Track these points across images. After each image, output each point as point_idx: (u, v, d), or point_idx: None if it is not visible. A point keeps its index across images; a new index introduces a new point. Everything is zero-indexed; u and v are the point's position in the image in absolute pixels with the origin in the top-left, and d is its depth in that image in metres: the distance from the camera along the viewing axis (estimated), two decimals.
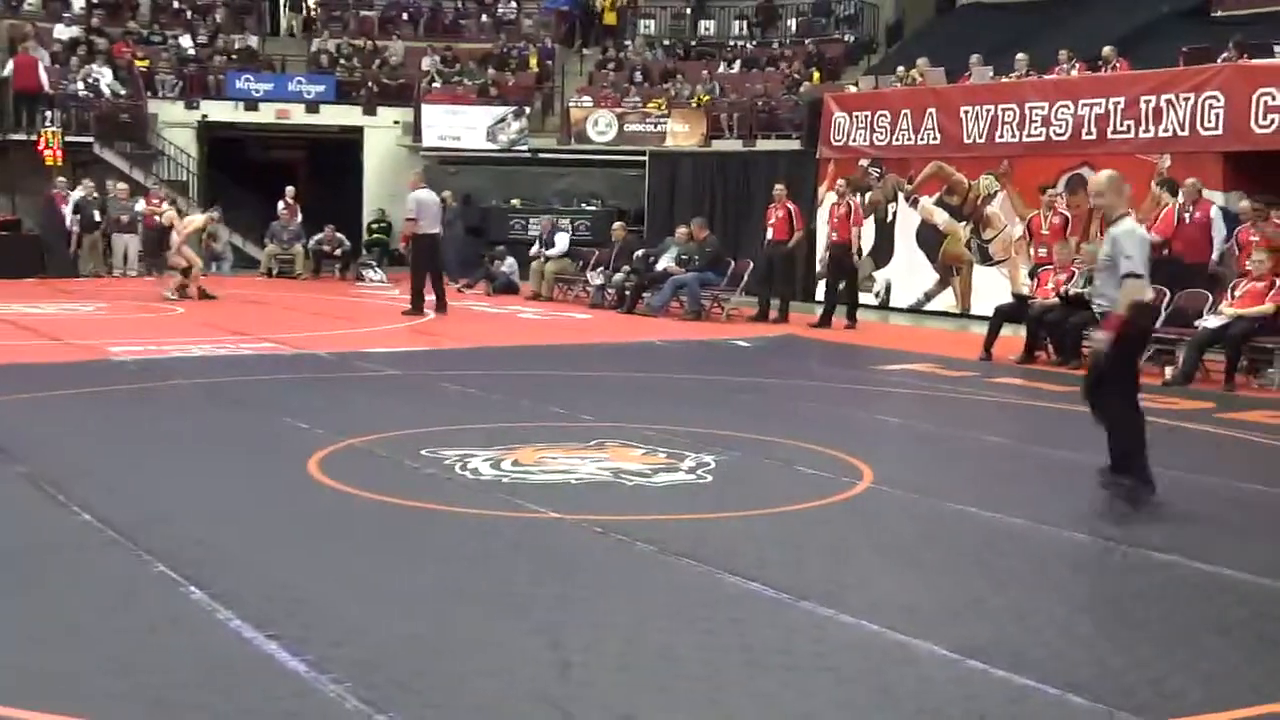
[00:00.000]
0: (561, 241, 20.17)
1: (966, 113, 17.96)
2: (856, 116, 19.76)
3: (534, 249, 20.42)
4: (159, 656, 4.22)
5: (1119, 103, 16.00)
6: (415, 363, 12.15)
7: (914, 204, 19.00)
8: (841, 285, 16.82)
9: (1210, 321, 11.99)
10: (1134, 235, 6.84)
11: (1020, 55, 18.86)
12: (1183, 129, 15.25)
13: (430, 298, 16.70)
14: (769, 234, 17.53)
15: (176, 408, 9.45)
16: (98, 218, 21.89)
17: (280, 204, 23.47)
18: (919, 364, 12.92)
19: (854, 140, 19.75)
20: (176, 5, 28.58)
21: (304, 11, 30.28)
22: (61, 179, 22.14)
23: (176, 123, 25.44)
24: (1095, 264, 7.50)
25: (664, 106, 25.16)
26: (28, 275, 20.65)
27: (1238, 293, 12.07)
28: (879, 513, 6.61)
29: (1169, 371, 11.95)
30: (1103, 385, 6.92)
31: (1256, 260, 12.02)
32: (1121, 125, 15.95)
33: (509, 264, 21.15)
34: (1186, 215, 13.50)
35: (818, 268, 18.68)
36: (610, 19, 29.90)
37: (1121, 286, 6.67)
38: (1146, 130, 15.66)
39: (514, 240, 23.03)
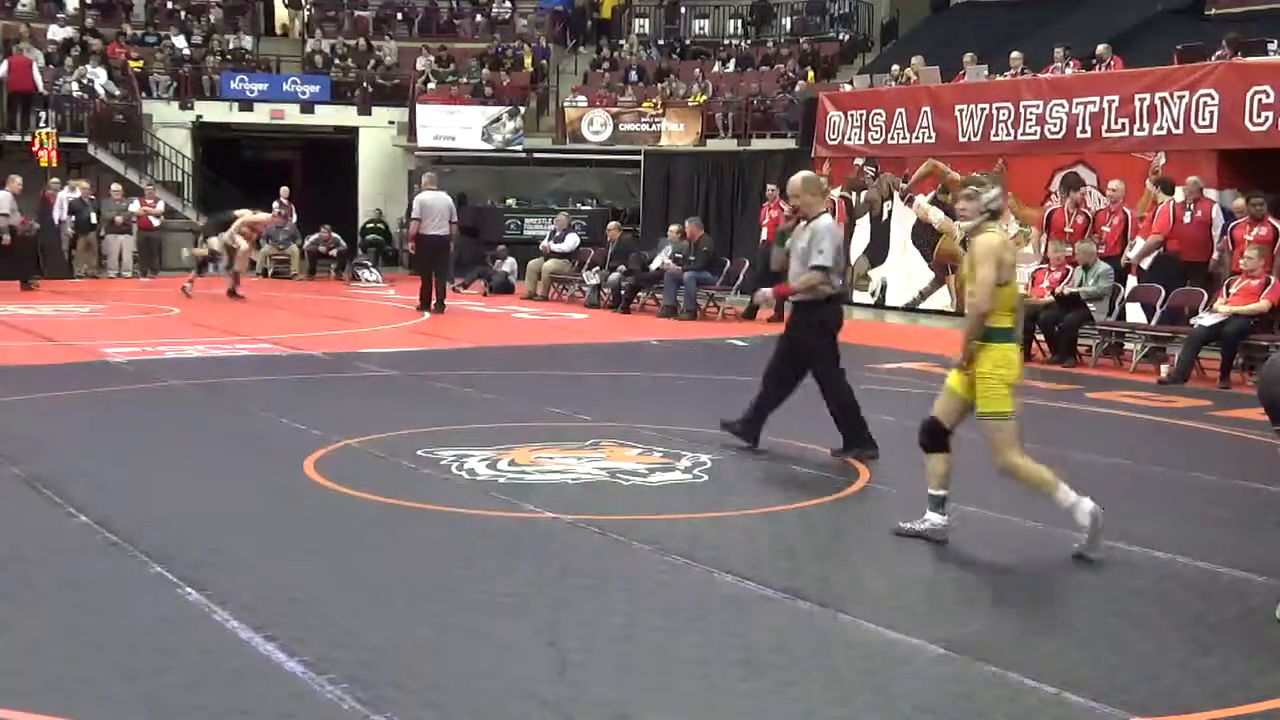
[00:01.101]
0: (571, 241, 20.25)
1: (961, 111, 17.98)
2: (851, 115, 19.77)
3: (544, 243, 20.49)
4: (156, 658, 4.22)
5: (1113, 101, 16.01)
6: (411, 363, 12.14)
7: (909, 203, 19.01)
8: None
9: (1206, 319, 12.01)
10: (831, 232, 7.70)
11: (1015, 54, 18.87)
12: (1177, 127, 15.27)
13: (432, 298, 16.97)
14: (764, 234, 17.54)
15: (172, 409, 9.44)
16: (93, 219, 21.88)
17: (275, 204, 23.46)
18: (914, 362, 12.92)
19: (849, 139, 19.76)
20: (171, 6, 28.54)
21: (302, 10, 30.15)
22: (55, 180, 22.14)
23: (171, 123, 25.42)
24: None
25: (659, 106, 25.17)
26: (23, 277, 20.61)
27: (1233, 290, 12.08)
28: (875, 512, 6.61)
29: (1164, 369, 11.97)
30: (784, 359, 7.90)
31: (1249, 258, 12.03)
32: (1116, 123, 15.97)
33: (509, 264, 21.21)
34: (1187, 214, 13.51)
35: None
36: (606, 13, 29.93)
37: (806, 272, 7.59)
38: (1141, 128, 15.68)
39: (509, 240, 23.06)
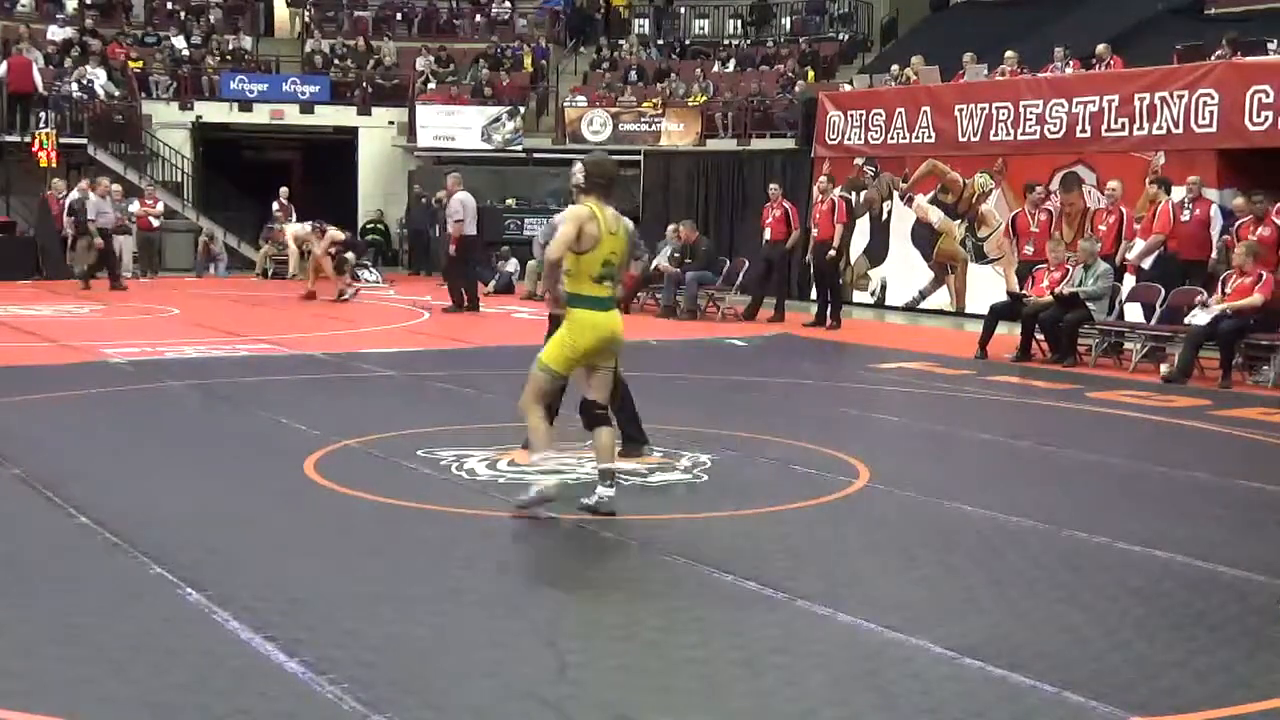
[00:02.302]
0: None
1: (961, 111, 17.98)
2: (851, 115, 19.77)
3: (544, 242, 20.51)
4: (156, 658, 4.21)
5: (1113, 100, 16.02)
6: (411, 363, 12.14)
7: (909, 202, 19.01)
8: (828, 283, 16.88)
9: (1199, 316, 12.00)
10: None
11: (1014, 53, 18.88)
12: (1177, 126, 15.28)
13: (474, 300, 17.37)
14: (766, 234, 17.54)
15: (172, 409, 9.44)
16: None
17: (275, 205, 23.46)
18: (915, 362, 12.93)
19: (849, 139, 19.76)
20: (170, 6, 28.55)
21: (304, 11, 30.11)
22: (56, 180, 22.14)
23: (171, 124, 25.42)
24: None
25: (659, 106, 25.17)
26: (23, 277, 20.64)
27: (1228, 288, 12.08)
28: (875, 511, 6.61)
29: (1164, 369, 11.97)
30: None
31: (1238, 254, 12.04)
32: (1116, 123, 15.98)
33: (512, 264, 21.23)
34: (1185, 213, 13.52)
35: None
36: (624, 11, 30.06)
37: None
38: (1141, 128, 15.69)
39: (509, 240, 23.07)
